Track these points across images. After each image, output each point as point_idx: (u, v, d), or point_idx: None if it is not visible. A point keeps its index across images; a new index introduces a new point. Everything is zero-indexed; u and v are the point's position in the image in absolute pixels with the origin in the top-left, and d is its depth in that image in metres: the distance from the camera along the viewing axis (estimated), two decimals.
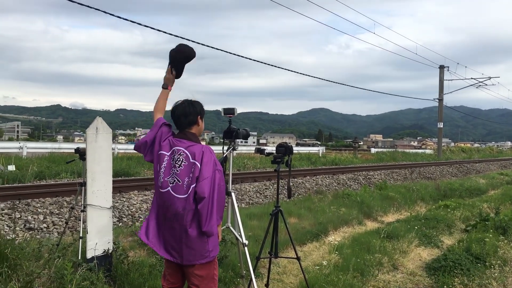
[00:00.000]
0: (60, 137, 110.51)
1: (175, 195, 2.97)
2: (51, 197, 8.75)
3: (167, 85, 3.40)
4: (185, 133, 3.16)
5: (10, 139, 60.60)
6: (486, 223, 8.19)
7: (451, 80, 38.19)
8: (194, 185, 2.95)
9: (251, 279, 3.89)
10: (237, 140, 4.15)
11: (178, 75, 3.41)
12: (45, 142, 30.93)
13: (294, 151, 4.47)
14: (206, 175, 2.96)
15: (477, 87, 38.61)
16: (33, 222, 7.43)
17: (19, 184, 10.72)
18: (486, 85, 38.42)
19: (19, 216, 7.55)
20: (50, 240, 5.65)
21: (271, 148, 4.47)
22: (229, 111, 4.11)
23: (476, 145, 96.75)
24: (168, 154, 3.07)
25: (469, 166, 28.41)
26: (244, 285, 4.47)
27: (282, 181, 12.57)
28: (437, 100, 36.68)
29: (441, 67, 36.82)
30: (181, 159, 3.02)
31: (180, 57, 3.35)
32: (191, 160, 3.00)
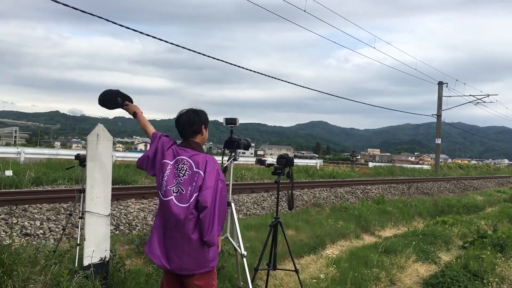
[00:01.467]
0: (57, 143, 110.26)
1: (178, 204, 2.95)
2: (48, 203, 8.71)
3: (135, 112, 3.63)
4: (189, 142, 3.16)
5: (8, 144, 60.45)
6: (484, 240, 8.17)
7: (450, 96, 38.40)
8: (196, 194, 2.94)
9: None
10: (238, 150, 4.15)
11: (117, 106, 3.66)
12: (42, 148, 30.87)
13: None
14: (209, 184, 2.96)
15: (475, 104, 38.84)
16: (30, 228, 7.38)
17: (16, 190, 10.67)
18: (484, 102, 38.61)
19: (16, 221, 7.50)
20: (47, 246, 5.61)
21: (271, 160, 4.47)
22: (231, 121, 4.12)
23: (473, 161, 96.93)
24: (171, 163, 3.07)
25: (466, 183, 28.42)
26: None
27: (281, 193, 12.53)
28: (436, 116, 36.83)
29: (440, 83, 37.02)
30: (185, 168, 3.01)
31: (106, 101, 3.66)
32: (194, 169, 3.00)
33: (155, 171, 3.16)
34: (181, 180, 2.99)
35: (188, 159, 3.05)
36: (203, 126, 3.20)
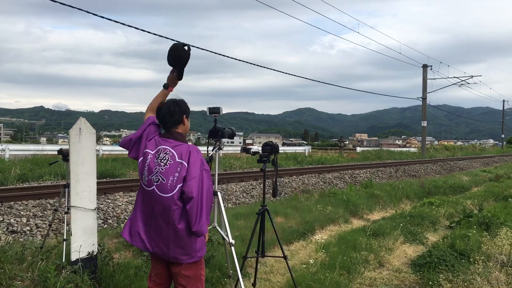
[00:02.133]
0: (43, 139, 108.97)
1: (160, 194, 2.94)
2: (34, 200, 8.62)
3: (168, 86, 3.38)
4: (171, 132, 3.13)
5: None
6: (470, 219, 8.29)
7: (434, 79, 38.71)
8: (180, 185, 2.93)
9: (238, 279, 3.87)
10: (223, 139, 4.13)
11: (180, 77, 3.39)
12: (28, 144, 30.50)
13: (280, 151, 4.47)
14: (193, 174, 2.94)
15: (459, 86, 39.18)
16: (16, 225, 7.31)
17: (1, 187, 10.54)
18: (469, 83, 39.00)
19: (1, 219, 7.42)
20: (34, 243, 5.56)
21: (257, 147, 4.46)
22: (214, 110, 4.09)
23: (459, 143, 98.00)
24: (153, 152, 3.05)
25: (452, 164, 28.76)
26: (231, 285, 4.45)
27: (269, 180, 12.56)
28: (421, 99, 37.09)
29: (424, 66, 37.24)
30: (167, 158, 2.99)
31: (176, 56, 3.31)
32: (177, 160, 2.98)
33: (137, 155, 3.14)
34: (162, 169, 2.97)
35: (171, 149, 3.03)
36: (184, 116, 3.18)
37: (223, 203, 4.83)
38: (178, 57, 3.31)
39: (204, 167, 3.02)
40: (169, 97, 3.28)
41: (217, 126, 4.07)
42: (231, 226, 6.89)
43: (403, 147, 62.50)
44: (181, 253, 2.98)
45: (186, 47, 3.30)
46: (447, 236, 7.26)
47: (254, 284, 4.48)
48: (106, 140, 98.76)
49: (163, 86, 3.39)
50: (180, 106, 3.17)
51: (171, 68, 3.38)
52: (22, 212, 7.84)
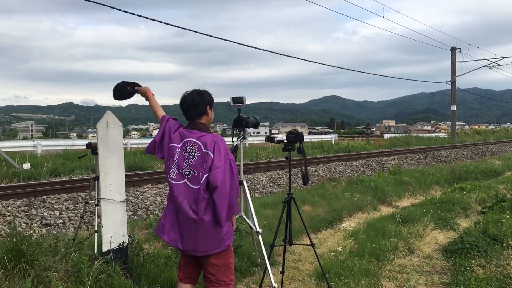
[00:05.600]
0: (73, 134, 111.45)
1: (191, 186, 2.96)
2: (66, 193, 8.85)
3: (145, 93, 3.61)
4: (195, 123, 3.14)
5: (25, 138, 61.36)
6: (503, 204, 8.10)
7: (463, 62, 37.77)
8: (206, 175, 2.94)
9: (266, 267, 3.88)
10: (247, 129, 4.12)
11: (128, 96, 3.73)
12: (58, 139, 31.24)
13: (306, 140, 4.43)
14: (218, 164, 2.95)
15: (490, 68, 38.06)
16: (49, 218, 7.52)
17: (35, 182, 10.85)
18: (499, 65, 37.86)
19: (35, 212, 7.65)
20: (67, 235, 5.71)
21: (281, 136, 4.43)
22: (238, 100, 4.08)
23: (491, 127, 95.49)
24: (179, 146, 3.06)
25: (484, 148, 28.07)
26: (260, 273, 4.48)
27: (295, 169, 12.54)
28: (450, 83, 36.25)
29: (453, 49, 36.33)
30: (194, 150, 3.01)
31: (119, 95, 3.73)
32: (203, 150, 2.99)
33: (163, 153, 3.16)
34: (191, 162, 2.99)
35: (196, 140, 3.04)
36: (208, 106, 3.18)
37: (250, 193, 4.87)
38: (122, 94, 3.73)
39: (228, 156, 3.02)
40: (192, 88, 3.28)
41: (241, 115, 4.07)
42: (258, 215, 6.91)
43: (432, 133, 61.31)
44: (209, 244, 2.99)
45: (129, 88, 3.70)
46: (479, 221, 7.10)
47: (282, 272, 4.49)
48: (134, 134, 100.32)
49: (145, 99, 3.63)
50: (203, 97, 3.17)
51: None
52: (55, 206, 8.06)
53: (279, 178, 12.90)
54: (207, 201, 2.95)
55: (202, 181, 2.94)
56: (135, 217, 8.29)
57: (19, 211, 7.59)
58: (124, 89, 3.71)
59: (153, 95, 3.60)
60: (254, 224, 4.01)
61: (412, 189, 11.22)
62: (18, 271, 3.75)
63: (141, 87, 3.68)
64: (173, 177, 3.04)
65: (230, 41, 15.48)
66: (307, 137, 33.98)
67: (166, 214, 3.13)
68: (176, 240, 3.05)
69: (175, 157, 3.04)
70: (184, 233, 3.02)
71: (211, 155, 2.96)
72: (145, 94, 3.61)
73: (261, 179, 12.32)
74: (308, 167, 14.61)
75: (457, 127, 41.65)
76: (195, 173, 2.96)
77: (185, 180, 2.98)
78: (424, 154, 21.71)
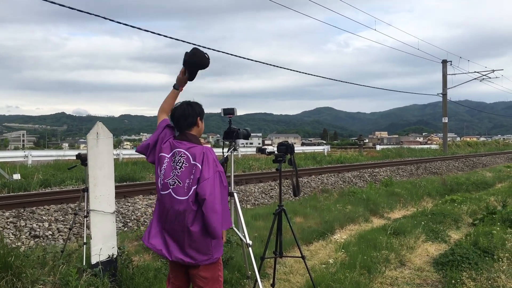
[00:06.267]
0: (65, 144, 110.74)
1: (176, 197, 2.95)
2: (56, 204, 8.76)
3: (178, 86, 3.39)
4: (186, 134, 3.14)
5: (16, 148, 60.89)
6: (494, 216, 8.13)
7: (455, 74, 38.15)
8: (195, 187, 2.93)
9: (256, 280, 3.86)
10: (238, 140, 4.12)
11: (191, 78, 3.37)
12: (49, 150, 31.01)
13: (299, 151, 4.44)
14: (206, 176, 2.93)
15: (480, 81, 38.44)
16: (38, 230, 7.44)
17: (24, 193, 10.75)
18: (490, 78, 38.24)
19: (24, 224, 7.56)
20: (55, 247, 5.64)
21: (272, 148, 4.43)
22: (229, 111, 4.08)
23: (482, 138, 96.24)
24: (168, 156, 3.06)
25: (475, 160, 28.24)
26: (250, 286, 4.44)
27: (287, 181, 12.52)
28: (441, 95, 36.54)
29: (444, 62, 36.69)
30: (182, 161, 3.00)
31: (193, 62, 3.30)
32: (192, 162, 2.98)
33: (153, 158, 3.15)
34: (178, 172, 2.98)
35: (185, 151, 3.03)
36: (199, 118, 3.18)
37: (241, 204, 4.84)
38: (199, 64, 3.30)
39: (218, 168, 3.01)
40: (183, 100, 3.28)
41: (232, 127, 4.06)
42: (250, 227, 6.88)
43: (424, 144, 61.67)
44: (196, 254, 2.97)
45: (207, 55, 3.31)
46: (470, 233, 7.12)
47: (273, 285, 4.46)
48: (127, 144, 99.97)
49: (173, 87, 3.39)
50: (194, 109, 3.17)
51: (173, 78, 3.39)
52: (44, 217, 7.97)
53: (271, 189, 12.88)
54: (195, 213, 2.93)
55: (190, 193, 2.92)
56: (126, 228, 8.21)
57: (8, 222, 7.51)
58: (203, 58, 3.30)
59: (179, 91, 3.42)
60: (244, 236, 3.98)
61: (403, 200, 11.24)
62: (5, 284, 3.69)
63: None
64: (159, 186, 3.03)
65: (223, 52, 15.53)
66: (300, 148, 34.02)
67: (152, 223, 3.11)
68: (161, 247, 3.02)
69: (163, 167, 3.03)
70: (169, 241, 2.99)
71: (200, 167, 2.95)
72: (182, 82, 3.40)
73: (253, 190, 12.29)
74: (301, 178, 14.62)
75: (448, 139, 41.95)
76: (180, 184, 2.95)
77: (170, 190, 2.97)
78: (416, 165, 21.80)
